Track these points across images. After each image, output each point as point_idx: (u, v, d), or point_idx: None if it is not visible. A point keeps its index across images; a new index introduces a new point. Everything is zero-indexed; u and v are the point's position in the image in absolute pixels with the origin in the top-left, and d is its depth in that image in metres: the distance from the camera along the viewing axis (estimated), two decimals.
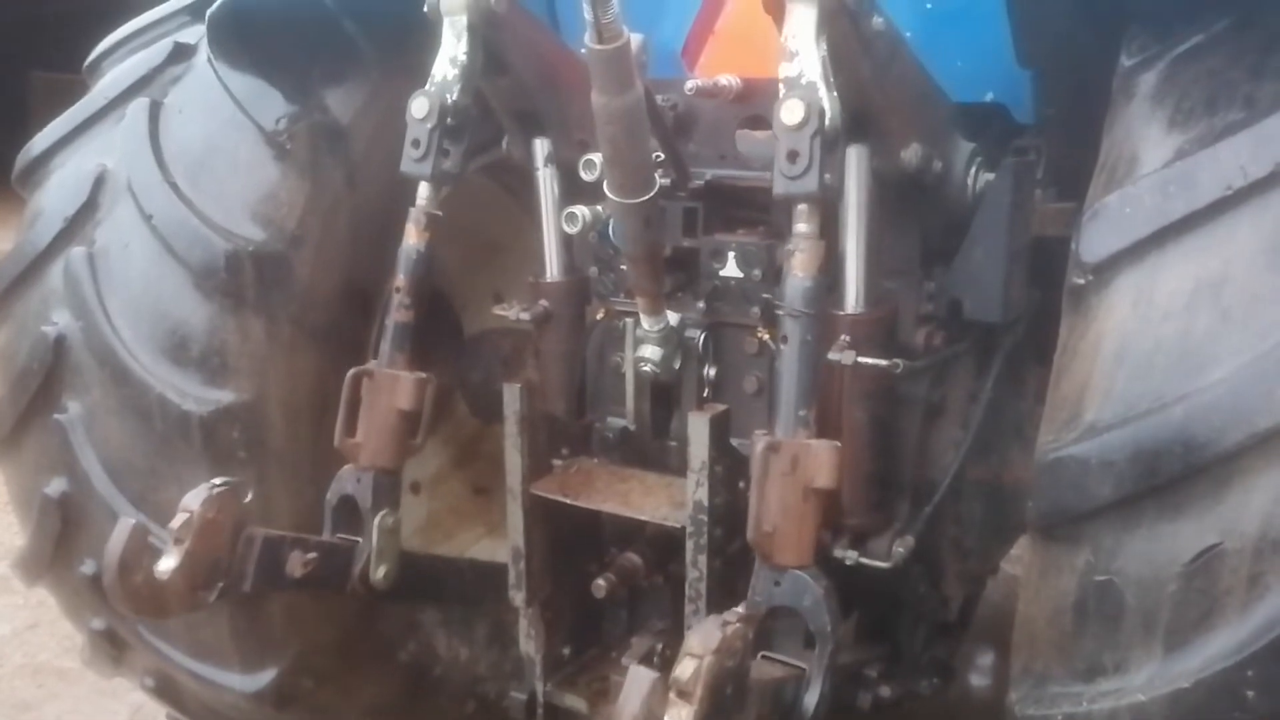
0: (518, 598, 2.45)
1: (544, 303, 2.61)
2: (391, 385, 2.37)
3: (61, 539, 2.72)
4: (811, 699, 1.85)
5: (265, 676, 2.71)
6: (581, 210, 2.41)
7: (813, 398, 1.93)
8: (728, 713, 1.62)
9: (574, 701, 2.50)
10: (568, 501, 2.36)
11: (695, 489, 2.16)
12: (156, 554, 2.03)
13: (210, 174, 2.59)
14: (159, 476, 2.56)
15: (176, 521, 2.03)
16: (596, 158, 2.32)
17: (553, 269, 2.60)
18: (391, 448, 2.39)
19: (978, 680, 3.49)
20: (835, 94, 1.85)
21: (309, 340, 2.66)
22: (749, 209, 2.41)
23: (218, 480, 2.10)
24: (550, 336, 2.63)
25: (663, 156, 2.29)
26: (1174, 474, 1.49)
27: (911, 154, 2.16)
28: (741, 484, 2.24)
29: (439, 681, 3.19)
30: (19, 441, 2.75)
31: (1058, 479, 1.59)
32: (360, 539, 2.38)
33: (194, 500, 2.05)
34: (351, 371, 2.38)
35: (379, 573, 2.39)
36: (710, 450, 2.14)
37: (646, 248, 2.17)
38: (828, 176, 1.88)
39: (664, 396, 2.50)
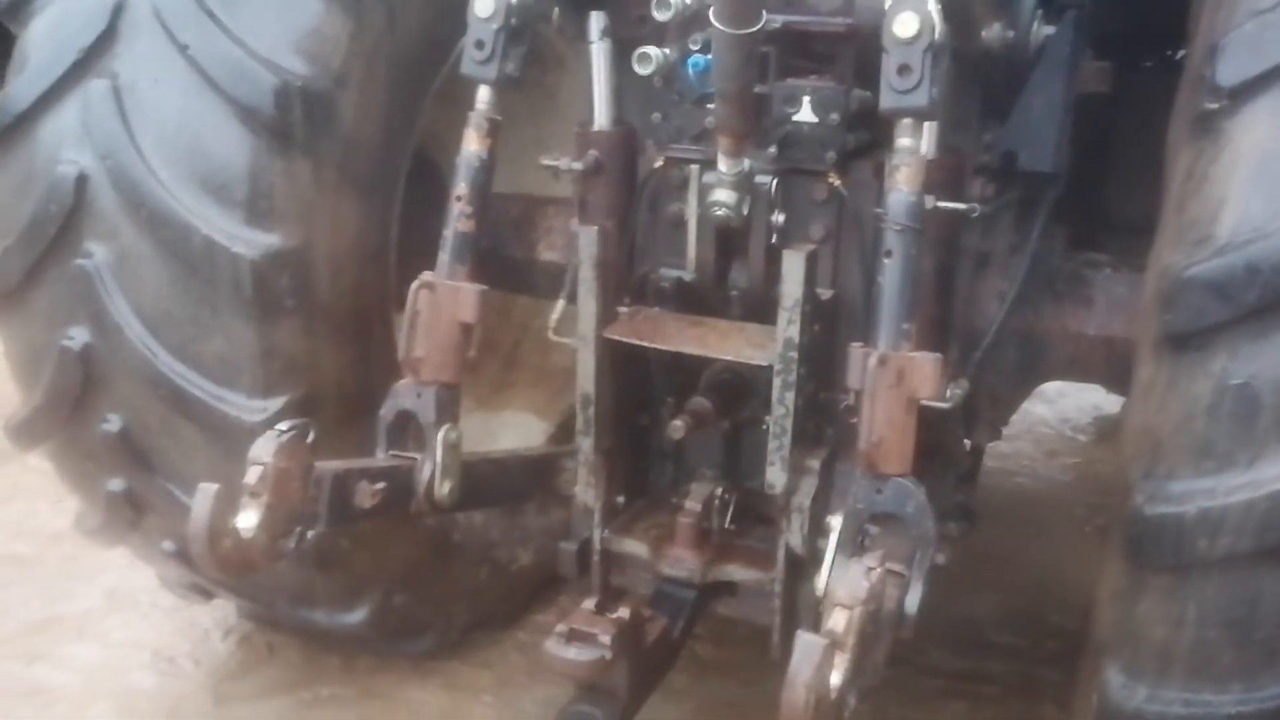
0: (585, 444, 2.45)
1: (594, 152, 2.57)
2: (453, 298, 2.32)
3: (81, 396, 2.57)
4: (914, 601, 1.93)
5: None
6: (655, 51, 2.37)
7: (915, 310, 1.98)
8: (873, 651, 1.71)
9: (633, 547, 2.53)
10: (644, 345, 2.37)
11: (786, 326, 2.20)
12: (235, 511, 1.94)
13: (247, 3, 2.42)
14: (202, 326, 2.44)
15: (251, 476, 1.96)
16: None
17: (603, 118, 2.56)
18: (453, 362, 2.36)
19: None
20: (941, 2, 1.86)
21: (352, 187, 2.56)
22: (819, 55, 2.41)
23: (283, 425, 2.01)
24: (600, 187, 2.60)
25: None
26: None
27: (992, 33, 2.21)
28: (817, 326, 2.30)
29: (457, 547, 3.18)
30: (28, 293, 2.56)
31: (1195, 292, 1.69)
32: (416, 456, 2.32)
33: (264, 451, 1.97)
34: (414, 284, 2.31)
35: (444, 489, 2.35)
36: (804, 288, 2.17)
37: (743, 84, 2.15)
38: (935, 90, 1.90)
39: (726, 246, 2.51)
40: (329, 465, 2.12)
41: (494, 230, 3.24)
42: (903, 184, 1.96)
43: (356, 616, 2.92)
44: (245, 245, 2.38)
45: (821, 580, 2.01)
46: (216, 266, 2.38)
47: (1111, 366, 2.57)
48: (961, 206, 2.26)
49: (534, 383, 3.83)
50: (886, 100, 1.93)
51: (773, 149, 2.39)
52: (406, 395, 2.34)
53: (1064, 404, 5.34)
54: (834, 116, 2.34)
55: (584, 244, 2.34)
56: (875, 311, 1.98)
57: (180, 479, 2.63)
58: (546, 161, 2.60)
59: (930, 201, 2.22)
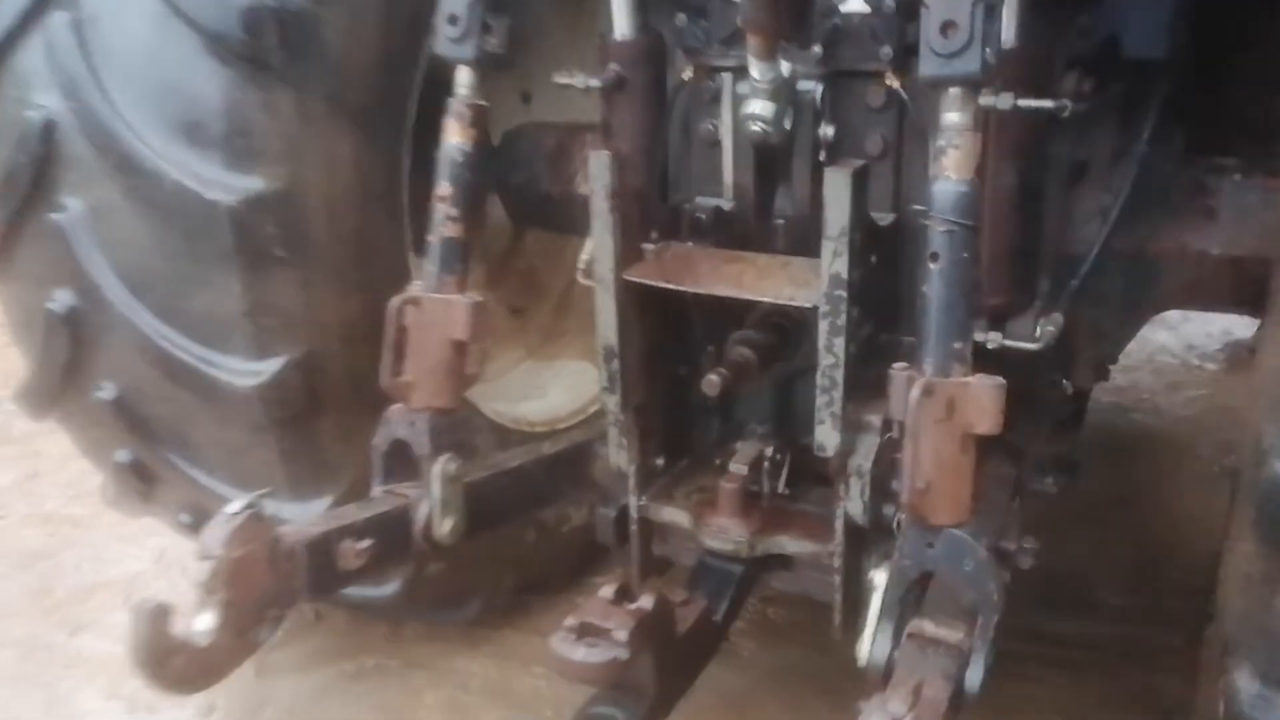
0: (611, 402, 2.16)
1: (615, 66, 2.23)
2: (444, 313, 2.03)
3: (72, 362, 2.39)
4: (977, 675, 1.63)
5: (319, 506, 2.44)
6: None
7: (969, 328, 1.61)
8: None
9: (674, 515, 2.23)
10: (670, 287, 2.05)
11: (832, 260, 1.84)
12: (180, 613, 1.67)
13: None
14: (185, 281, 2.22)
15: (202, 573, 1.70)
16: None
17: (623, 26, 2.21)
18: (448, 385, 2.07)
19: None
20: None
21: (346, 120, 2.28)
22: None
23: (232, 507, 1.74)
24: (624, 106, 2.26)
25: None
26: None
27: None
28: (874, 258, 1.95)
29: None
30: (11, 253, 2.38)
31: None
32: (409, 493, 2.06)
33: (214, 541, 1.70)
34: (394, 300, 2.02)
35: (445, 527, 2.07)
36: (851, 214, 1.81)
37: None
38: (989, 52, 1.52)
39: (767, 167, 2.16)
40: (301, 533, 1.86)
41: (528, 164, 2.96)
42: (951, 170, 1.59)
43: (388, 589, 2.71)
44: (222, 190, 2.13)
45: (864, 649, 1.71)
46: (192, 216, 2.14)
47: (1240, 292, 2.15)
48: (1049, 105, 1.85)
49: (587, 329, 3.52)
50: (927, 67, 1.56)
51: (817, 48, 2.02)
52: (400, 424, 2.07)
53: (1188, 329, 4.82)
54: (889, 3, 1.95)
55: (595, 171, 2.02)
56: (920, 328, 1.62)
57: (184, 448, 2.45)
58: (560, 79, 2.27)
59: (1010, 100, 1.84)
